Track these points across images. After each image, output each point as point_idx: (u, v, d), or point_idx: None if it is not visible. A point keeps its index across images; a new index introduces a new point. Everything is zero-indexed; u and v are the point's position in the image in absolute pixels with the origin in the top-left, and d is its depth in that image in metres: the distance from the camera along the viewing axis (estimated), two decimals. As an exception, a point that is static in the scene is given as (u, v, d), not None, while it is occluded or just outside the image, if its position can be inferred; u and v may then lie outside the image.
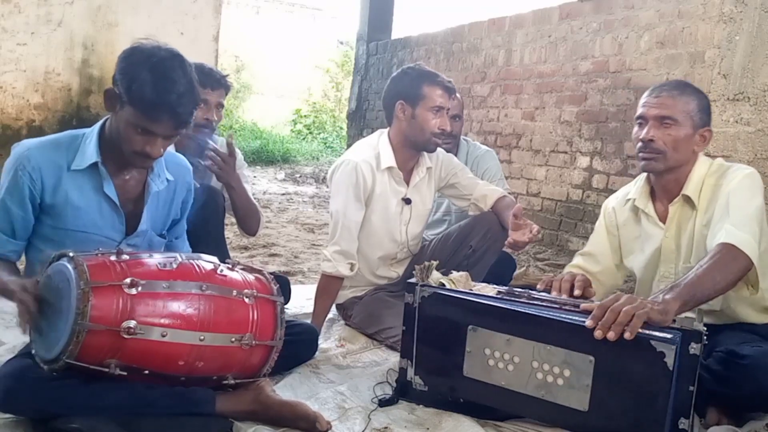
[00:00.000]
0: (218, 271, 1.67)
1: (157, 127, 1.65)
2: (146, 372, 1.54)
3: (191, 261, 1.66)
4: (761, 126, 3.39)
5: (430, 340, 1.87)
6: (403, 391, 1.92)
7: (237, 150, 2.53)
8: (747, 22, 3.48)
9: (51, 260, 1.58)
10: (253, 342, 1.64)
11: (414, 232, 2.64)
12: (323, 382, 2.06)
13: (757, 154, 3.40)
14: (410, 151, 2.55)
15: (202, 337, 1.56)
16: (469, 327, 1.79)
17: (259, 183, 7.94)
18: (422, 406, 1.88)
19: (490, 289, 1.91)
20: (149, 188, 1.84)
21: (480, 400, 1.81)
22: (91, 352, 1.47)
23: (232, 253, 2.94)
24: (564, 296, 1.90)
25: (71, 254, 1.53)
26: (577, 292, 1.92)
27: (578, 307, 1.74)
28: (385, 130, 2.59)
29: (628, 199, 2.13)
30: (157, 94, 1.61)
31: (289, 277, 3.03)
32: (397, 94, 2.51)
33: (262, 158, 10.26)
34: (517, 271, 3.19)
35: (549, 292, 1.93)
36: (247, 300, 1.66)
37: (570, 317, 1.70)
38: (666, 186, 2.04)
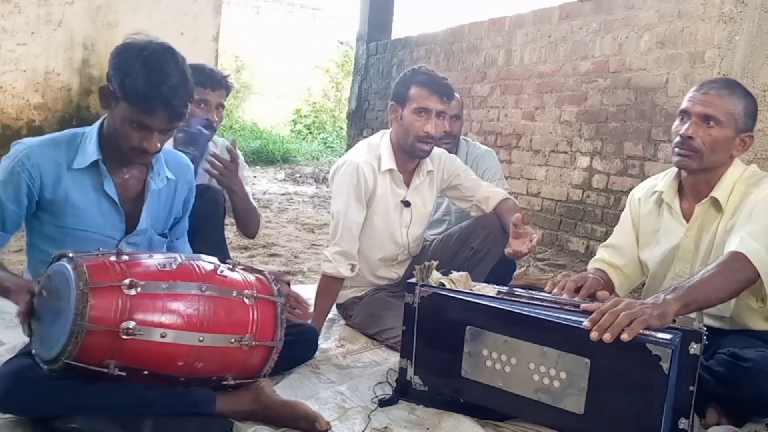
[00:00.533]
0: (218, 272, 1.66)
1: (152, 121, 1.66)
2: (145, 372, 1.54)
3: (191, 261, 1.65)
4: (761, 126, 3.39)
5: (429, 340, 1.87)
6: (403, 391, 1.92)
7: (238, 152, 2.53)
8: (747, 22, 3.48)
9: (51, 260, 1.58)
10: (253, 343, 1.64)
11: (415, 234, 2.64)
12: (323, 382, 2.05)
13: (757, 154, 3.40)
14: (406, 154, 2.52)
15: (201, 338, 1.56)
16: (468, 328, 1.79)
17: (259, 183, 7.94)
18: (422, 406, 1.88)
19: (490, 289, 1.91)
20: (149, 186, 1.84)
21: (478, 401, 1.80)
22: (90, 352, 1.47)
23: (232, 253, 2.94)
24: (565, 296, 1.89)
25: (71, 255, 1.53)
26: (582, 292, 1.91)
27: (578, 307, 1.74)
28: (388, 131, 2.58)
29: (655, 191, 2.10)
30: (150, 86, 1.61)
31: (290, 277, 3.03)
32: (392, 94, 2.51)
33: (262, 158, 10.26)
34: (517, 271, 3.19)
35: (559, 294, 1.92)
36: (247, 301, 1.65)
37: (569, 318, 1.69)
38: (696, 185, 2.01)
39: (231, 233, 2.71)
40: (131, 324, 1.47)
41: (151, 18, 6.01)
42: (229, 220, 2.65)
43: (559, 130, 4.89)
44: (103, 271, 1.51)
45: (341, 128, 13.43)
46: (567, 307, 1.76)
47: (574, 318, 1.68)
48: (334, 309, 2.66)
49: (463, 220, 2.75)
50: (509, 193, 2.76)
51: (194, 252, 2.04)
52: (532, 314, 1.73)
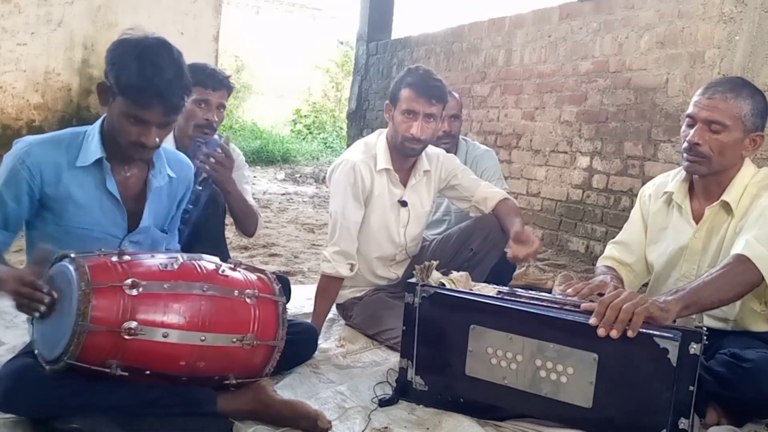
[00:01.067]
0: (220, 271, 1.67)
1: (148, 114, 1.66)
2: (147, 372, 1.54)
3: (193, 261, 1.66)
4: (761, 126, 3.39)
5: (430, 339, 1.88)
6: (403, 391, 1.92)
7: (238, 150, 2.52)
8: (747, 22, 3.48)
9: (53, 261, 1.58)
10: (255, 342, 1.64)
11: (412, 234, 2.63)
12: (323, 382, 2.05)
13: (757, 154, 3.40)
14: (399, 154, 2.52)
15: (203, 338, 1.56)
16: (471, 326, 1.79)
17: (259, 183, 7.94)
18: (422, 406, 1.88)
19: (490, 289, 1.91)
20: (150, 184, 1.85)
21: (483, 399, 1.81)
22: (93, 352, 1.47)
23: (232, 253, 2.94)
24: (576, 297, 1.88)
25: (73, 255, 1.53)
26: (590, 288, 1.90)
27: (578, 307, 1.74)
28: (384, 131, 2.59)
29: (665, 192, 2.09)
30: (145, 79, 1.62)
31: (289, 277, 3.03)
32: (389, 94, 2.52)
33: (262, 158, 10.26)
34: (517, 271, 3.18)
35: (549, 290, 1.93)
36: (248, 300, 1.65)
37: (572, 317, 1.70)
38: (707, 187, 2.00)
39: (231, 233, 2.72)
40: (133, 324, 1.48)
41: (151, 18, 6.01)
42: (228, 220, 2.66)
43: (559, 130, 4.89)
44: (105, 271, 1.51)
45: (341, 128, 13.43)
46: (567, 307, 1.76)
47: (577, 317, 1.69)
48: (334, 309, 2.66)
49: (463, 220, 2.75)
50: (509, 192, 2.76)
51: (194, 251, 2.04)
52: (537, 311, 1.74)
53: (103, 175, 1.77)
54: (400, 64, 7.12)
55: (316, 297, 2.49)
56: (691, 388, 1.56)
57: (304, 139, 13.41)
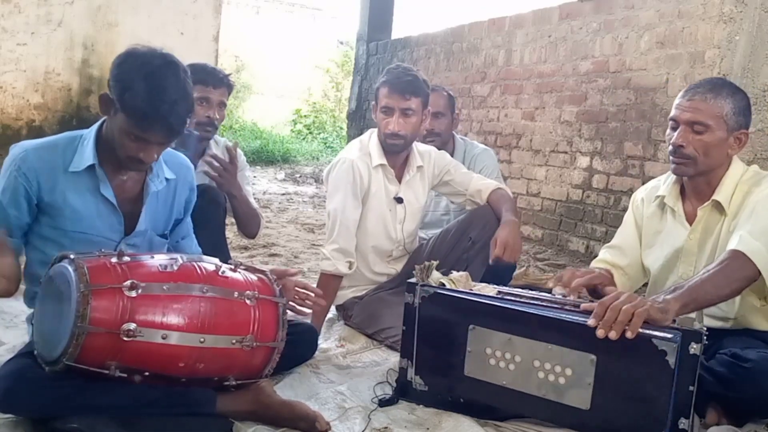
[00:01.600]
0: (220, 273, 1.66)
1: (149, 136, 1.66)
2: (147, 374, 1.54)
3: (193, 262, 1.65)
4: (761, 126, 3.39)
5: (430, 340, 1.88)
6: (403, 391, 1.92)
7: (239, 151, 2.52)
8: (747, 22, 3.48)
9: (53, 262, 1.58)
10: (255, 343, 1.64)
11: (409, 229, 2.66)
12: (323, 382, 2.06)
13: (757, 154, 3.40)
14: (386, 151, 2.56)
15: (202, 339, 1.56)
16: (470, 326, 1.79)
17: (259, 183, 7.94)
18: (422, 406, 1.88)
19: (490, 289, 1.91)
20: (148, 188, 1.84)
21: (481, 399, 1.81)
22: (92, 354, 1.47)
23: (232, 253, 2.94)
24: (572, 295, 1.89)
25: (72, 256, 1.53)
26: (585, 281, 1.92)
27: (578, 307, 1.74)
28: (376, 129, 2.61)
29: (658, 196, 2.10)
30: (150, 104, 1.60)
31: (295, 270, 3.03)
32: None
33: (262, 158, 10.26)
34: (517, 271, 3.19)
35: (549, 290, 1.94)
36: (248, 301, 1.65)
37: (571, 317, 1.70)
38: (697, 188, 2.01)
39: (231, 233, 2.72)
40: (132, 326, 1.48)
41: (151, 18, 6.01)
42: (229, 220, 2.66)
43: (559, 130, 4.89)
44: (104, 272, 1.51)
45: (341, 128, 13.43)
46: (567, 307, 1.77)
47: (576, 317, 1.69)
48: (333, 309, 2.66)
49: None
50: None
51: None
52: (536, 312, 1.74)
53: (98, 180, 1.77)
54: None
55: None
56: (691, 388, 1.56)
57: (304, 139, 13.41)
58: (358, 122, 8.06)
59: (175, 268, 1.60)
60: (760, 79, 3.39)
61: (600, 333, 1.59)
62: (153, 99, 1.60)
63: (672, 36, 3.96)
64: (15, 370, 1.56)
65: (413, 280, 1.92)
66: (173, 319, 1.53)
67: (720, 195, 1.95)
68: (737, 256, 1.74)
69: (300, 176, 8.86)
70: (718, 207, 1.96)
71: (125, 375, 1.51)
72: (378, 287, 2.65)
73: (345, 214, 2.47)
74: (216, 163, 2.42)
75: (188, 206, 2.02)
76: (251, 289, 1.67)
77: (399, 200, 2.60)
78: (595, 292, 1.98)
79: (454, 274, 1.96)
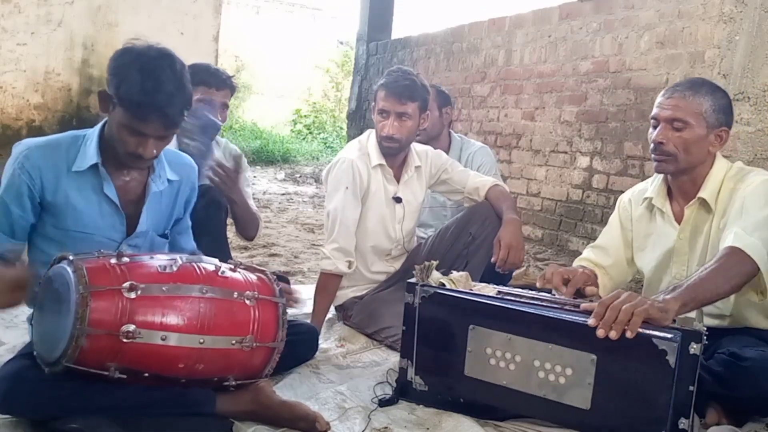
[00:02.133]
0: (219, 273, 1.66)
1: (146, 128, 1.65)
2: (146, 375, 1.54)
3: (192, 263, 1.65)
4: (761, 126, 3.39)
5: (430, 340, 1.88)
6: (403, 391, 1.92)
7: (239, 152, 2.53)
8: (747, 22, 3.48)
9: (52, 263, 1.58)
10: (254, 344, 1.64)
11: (408, 228, 2.68)
12: (323, 382, 2.05)
13: (757, 154, 3.40)
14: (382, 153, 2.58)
15: (202, 340, 1.56)
16: (470, 326, 1.79)
17: (259, 183, 7.94)
18: (422, 406, 1.88)
19: (490, 289, 1.91)
20: (149, 189, 1.84)
21: (481, 399, 1.81)
22: (91, 355, 1.47)
23: (232, 253, 2.94)
24: (559, 293, 1.91)
25: (71, 257, 1.53)
26: (569, 289, 1.92)
27: (578, 307, 1.74)
28: (374, 130, 2.61)
29: (646, 198, 2.12)
30: (145, 94, 1.61)
31: (289, 277, 3.03)
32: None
33: (262, 158, 10.25)
34: (517, 271, 3.19)
35: (549, 291, 1.94)
36: (248, 302, 1.65)
37: (571, 317, 1.70)
38: (682, 187, 2.03)
39: (231, 233, 2.73)
40: (131, 327, 1.47)
41: (151, 18, 6.01)
42: (229, 220, 2.66)
43: (559, 130, 4.89)
44: (104, 274, 1.51)
45: (341, 128, 13.42)
46: (567, 307, 1.76)
47: (576, 317, 1.69)
48: (333, 310, 2.66)
49: (460, 212, 2.78)
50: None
51: (197, 248, 2.06)
52: (536, 312, 1.74)
53: (101, 179, 1.77)
54: (400, 64, 7.11)
55: (315, 295, 2.50)
56: (691, 388, 1.56)
57: (304, 139, 13.41)
58: (358, 122, 8.06)
59: (175, 268, 1.59)
60: (760, 79, 3.39)
61: (600, 333, 1.59)
62: (148, 89, 1.60)
63: (672, 36, 3.96)
64: (15, 371, 1.56)
65: (413, 280, 1.92)
66: (173, 320, 1.53)
67: (705, 193, 1.97)
68: (734, 252, 1.75)
69: (300, 176, 8.86)
70: (705, 205, 1.98)
71: (125, 376, 1.51)
72: (377, 287, 2.65)
73: (345, 213, 2.48)
74: (221, 171, 2.42)
75: (188, 206, 2.03)
76: (251, 290, 1.67)
77: (398, 200, 2.61)
78: (576, 291, 1.99)
79: (454, 274, 1.96)
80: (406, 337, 1.91)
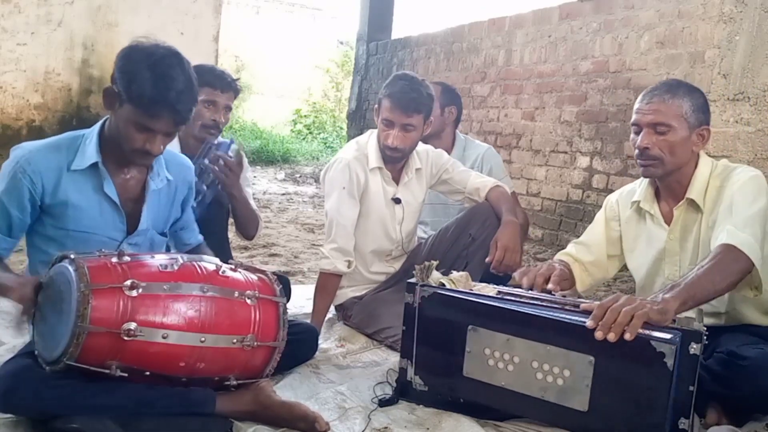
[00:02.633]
0: (220, 272, 1.67)
1: (156, 124, 1.67)
2: (147, 373, 1.54)
3: (193, 262, 1.66)
4: (761, 126, 3.39)
5: (430, 340, 1.87)
6: (403, 391, 1.92)
7: (242, 152, 2.53)
8: (747, 22, 3.48)
9: (53, 262, 1.58)
10: (255, 343, 1.64)
11: (408, 229, 2.68)
12: (323, 382, 2.06)
13: (757, 154, 3.40)
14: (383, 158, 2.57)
15: (203, 339, 1.56)
16: (470, 327, 1.79)
17: (259, 183, 7.94)
18: (422, 406, 1.88)
19: (490, 289, 1.91)
20: (148, 187, 1.85)
21: (480, 400, 1.81)
22: (92, 353, 1.47)
23: (232, 253, 2.95)
24: (536, 290, 1.93)
25: (72, 256, 1.53)
26: (550, 286, 1.94)
27: (578, 307, 1.74)
28: (375, 131, 2.61)
29: (634, 201, 2.13)
30: (157, 91, 1.63)
31: (289, 277, 3.03)
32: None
33: (262, 158, 10.26)
34: (518, 272, 3.19)
35: (529, 287, 1.95)
36: (249, 301, 1.65)
37: (570, 317, 1.70)
38: (669, 187, 2.04)
39: (231, 233, 2.73)
40: (132, 325, 1.48)
41: (151, 18, 6.02)
42: (229, 220, 2.66)
43: (559, 130, 4.89)
44: (105, 272, 1.51)
45: (341, 128, 13.43)
46: (567, 307, 1.76)
47: (576, 318, 1.68)
48: (333, 310, 2.66)
49: (458, 210, 2.79)
50: (512, 192, 2.78)
51: (204, 242, 2.08)
52: (534, 313, 1.73)
53: (101, 178, 1.78)
54: (400, 64, 7.12)
55: (315, 295, 2.50)
56: (691, 388, 1.56)
57: (304, 139, 13.41)
58: (358, 122, 8.06)
59: (176, 267, 1.60)
60: (760, 79, 3.39)
61: (598, 335, 1.59)
62: (161, 87, 1.63)
63: (672, 36, 3.96)
64: (15, 370, 1.56)
65: (413, 280, 1.92)
66: (174, 318, 1.53)
67: (693, 193, 1.98)
68: (729, 249, 1.75)
69: (300, 176, 8.86)
70: (693, 205, 1.99)
71: (126, 374, 1.51)
72: (377, 287, 2.65)
73: (342, 213, 2.48)
74: (223, 164, 2.42)
75: (185, 206, 2.03)
76: (252, 289, 1.67)
77: (397, 201, 2.61)
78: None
79: (454, 274, 1.96)
80: (405, 337, 1.91)
